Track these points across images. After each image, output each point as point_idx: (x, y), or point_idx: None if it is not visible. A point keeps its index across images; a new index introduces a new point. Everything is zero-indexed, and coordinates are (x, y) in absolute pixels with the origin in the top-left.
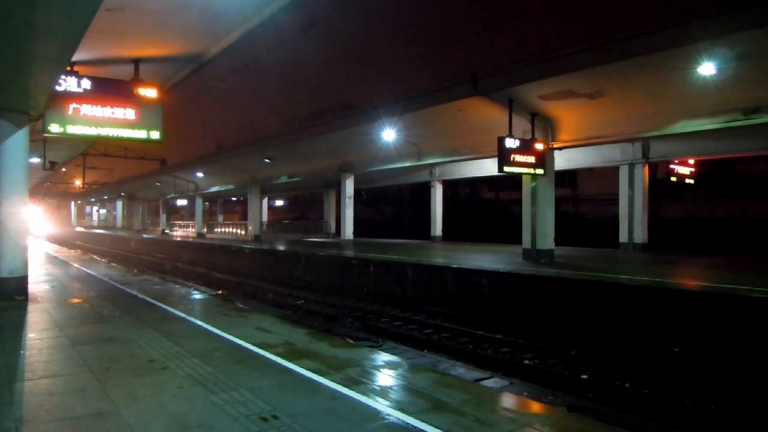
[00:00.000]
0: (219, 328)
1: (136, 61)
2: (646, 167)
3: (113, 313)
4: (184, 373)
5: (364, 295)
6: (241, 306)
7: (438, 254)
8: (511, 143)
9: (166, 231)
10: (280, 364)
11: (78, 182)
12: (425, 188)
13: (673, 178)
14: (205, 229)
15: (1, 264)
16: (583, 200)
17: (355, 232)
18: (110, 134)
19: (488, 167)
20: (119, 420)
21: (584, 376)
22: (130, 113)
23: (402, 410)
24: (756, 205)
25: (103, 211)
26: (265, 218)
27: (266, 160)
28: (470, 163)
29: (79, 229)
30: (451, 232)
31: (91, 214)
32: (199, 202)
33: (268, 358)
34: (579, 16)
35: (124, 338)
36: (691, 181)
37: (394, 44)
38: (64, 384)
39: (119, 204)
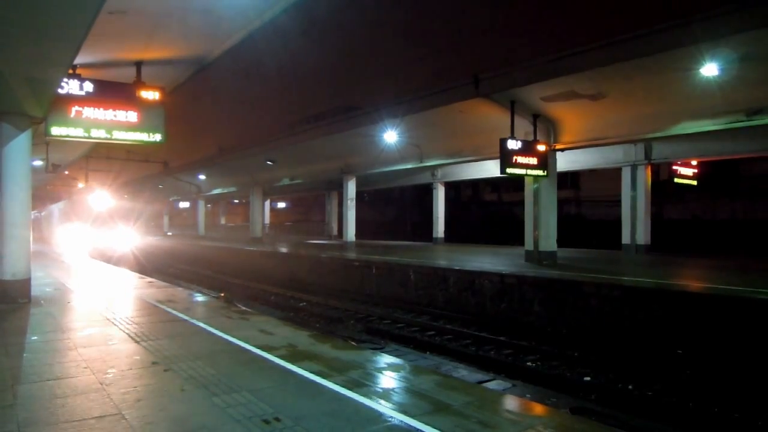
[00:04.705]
0: (221, 330)
1: (138, 64)
2: (649, 168)
3: (116, 316)
4: (187, 375)
5: (366, 297)
6: (243, 308)
7: (440, 256)
8: (513, 145)
9: (169, 233)
10: (282, 366)
11: (81, 185)
12: (427, 190)
13: (678, 179)
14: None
15: (4, 267)
16: (585, 202)
17: (357, 234)
18: (113, 137)
19: (490, 169)
20: (122, 422)
21: (587, 378)
22: (132, 116)
23: (404, 412)
24: (759, 206)
25: None
26: (267, 220)
27: (268, 163)
28: (472, 164)
29: None
30: (454, 234)
31: None
32: (201, 204)
33: (270, 360)
34: (581, 17)
35: (127, 340)
36: (694, 183)
37: (395, 46)
38: (66, 386)
39: None
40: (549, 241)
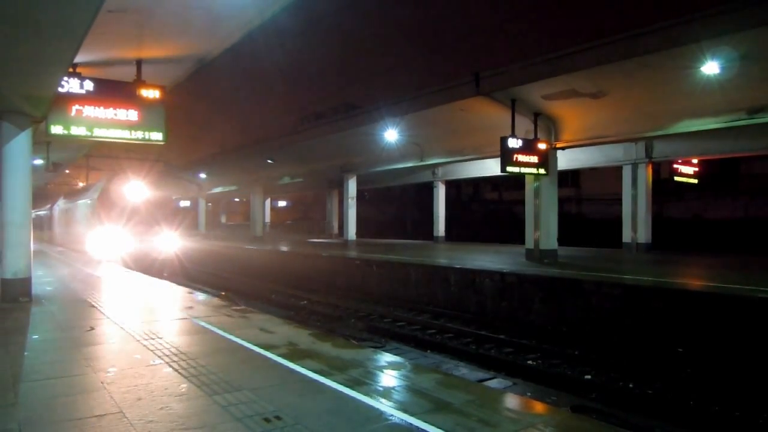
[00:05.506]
0: (222, 329)
1: (138, 63)
2: (650, 167)
3: (116, 314)
4: (188, 373)
5: (367, 295)
6: (243, 306)
7: (441, 255)
8: (513, 143)
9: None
10: (283, 365)
11: (81, 184)
12: (428, 189)
13: (678, 178)
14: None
15: (5, 265)
16: (586, 200)
17: (358, 233)
18: (113, 136)
19: (491, 167)
20: (123, 421)
21: (588, 377)
22: (132, 114)
23: (405, 411)
24: (759, 204)
25: None
26: (267, 219)
27: (269, 161)
28: (473, 163)
29: None
30: (454, 233)
31: None
32: (201, 203)
33: (271, 359)
34: (582, 15)
35: (127, 339)
36: (695, 181)
37: (396, 44)
38: (67, 385)
39: None
40: (550, 240)
